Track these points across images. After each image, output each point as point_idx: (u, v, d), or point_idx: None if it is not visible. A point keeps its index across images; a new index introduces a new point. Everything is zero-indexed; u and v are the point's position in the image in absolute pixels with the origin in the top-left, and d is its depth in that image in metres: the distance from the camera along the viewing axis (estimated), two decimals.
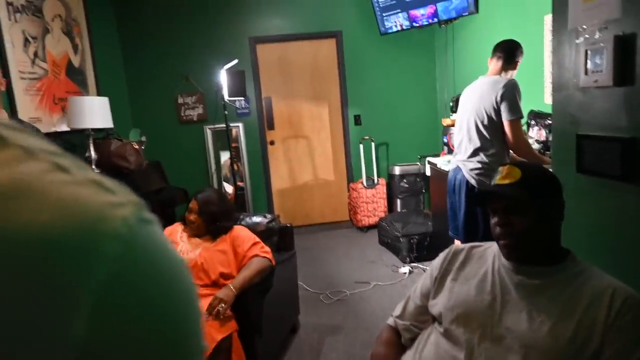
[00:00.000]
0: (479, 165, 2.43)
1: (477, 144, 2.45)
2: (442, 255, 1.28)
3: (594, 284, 1.03)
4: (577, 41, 1.27)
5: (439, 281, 1.24)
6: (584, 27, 1.24)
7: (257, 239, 2.18)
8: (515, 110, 2.32)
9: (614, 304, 0.97)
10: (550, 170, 1.12)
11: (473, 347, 1.07)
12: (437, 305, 1.20)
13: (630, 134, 1.14)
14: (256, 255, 2.08)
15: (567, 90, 1.35)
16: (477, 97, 2.46)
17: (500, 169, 1.11)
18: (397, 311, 1.34)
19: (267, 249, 2.19)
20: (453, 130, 3.46)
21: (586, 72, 1.23)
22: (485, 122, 2.40)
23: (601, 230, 1.28)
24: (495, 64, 2.50)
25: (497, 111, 2.35)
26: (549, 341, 0.99)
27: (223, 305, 1.83)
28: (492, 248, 1.20)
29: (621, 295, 0.98)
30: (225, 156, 5.00)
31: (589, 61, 1.21)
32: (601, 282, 1.03)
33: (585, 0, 1.22)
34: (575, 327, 0.98)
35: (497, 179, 1.10)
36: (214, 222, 2.10)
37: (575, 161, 1.33)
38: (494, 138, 2.41)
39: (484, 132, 2.42)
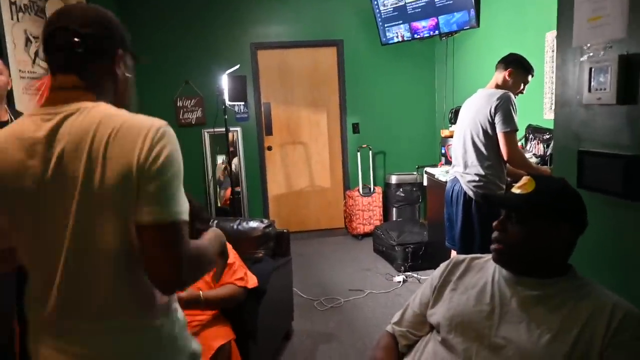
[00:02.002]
0: (477, 178, 2.45)
1: (474, 156, 2.47)
2: (442, 266, 1.29)
3: (594, 298, 1.03)
4: (582, 59, 1.29)
5: (439, 290, 1.25)
6: (589, 45, 1.26)
7: (231, 260, 1.99)
8: (509, 122, 2.33)
9: (614, 320, 0.98)
10: (578, 198, 1.10)
11: (471, 356, 1.08)
12: (435, 315, 1.21)
13: (633, 151, 1.15)
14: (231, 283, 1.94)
15: (570, 107, 1.37)
16: (473, 110, 2.48)
17: (523, 177, 1.14)
18: (396, 318, 1.35)
19: (241, 272, 2.00)
20: (451, 141, 3.49)
21: (590, 90, 1.25)
22: (481, 135, 2.42)
23: (601, 246, 1.29)
24: (495, 76, 2.53)
25: (492, 124, 2.37)
26: (547, 354, 0.99)
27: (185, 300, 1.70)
28: (491, 259, 1.21)
29: (621, 311, 0.99)
30: (220, 160, 4.99)
31: (593, 79, 1.23)
32: (601, 298, 1.03)
33: (590, 19, 1.24)
34: (573, 341, 0.98)
35: (514, 186, 1.14)
36: (199, 224, 2.00)
37: (576, 177, 1.35)
38: (490, 151, 2.42)
39: (480, 145, 2.44)
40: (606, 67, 1.18)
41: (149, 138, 0.84)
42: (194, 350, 1.02)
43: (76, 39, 0.88)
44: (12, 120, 2.01)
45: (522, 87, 2.53)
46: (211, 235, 1.06)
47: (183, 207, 0.87)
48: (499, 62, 2.51)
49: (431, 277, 1.30)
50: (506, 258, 1.12)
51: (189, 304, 1.75)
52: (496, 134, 2.37)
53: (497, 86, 2.49)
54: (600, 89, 1.20)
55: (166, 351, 0.94)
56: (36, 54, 3.36)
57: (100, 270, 0.86)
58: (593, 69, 1.22)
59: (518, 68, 2.47)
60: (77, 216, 0.84)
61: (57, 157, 0.84)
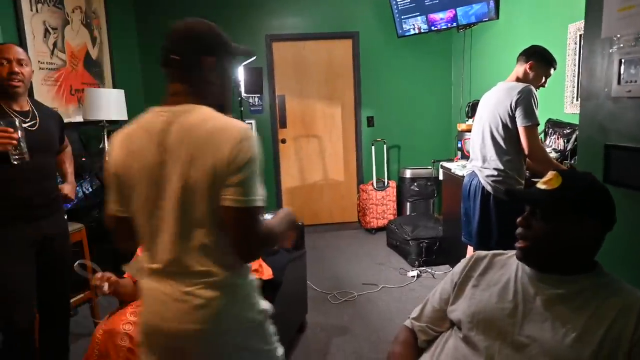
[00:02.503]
0: (495, 173, 2.41)
1: (492, 150, 2.42)
2: (463, 261, 1.27)
3: (622, 296, 1.01)
4: (611, 50, 1.25)
5: (459, 287, 1.23)
6: (619, 36, 1.23)
7: None
8: (530, 116, 2.28)
9: None
10: (607, 193, 1.05)
11: (493, 354, 1.06)
12: (456, 311, 1.19)
13: None
14: None
15: (597, 100, 1.33)
16: (492, 104, 2.44)
17: (549, 172, 1.10)
18: (415, 313, 1.33)
19: (256, 263, 1.97)
20: (468, 135, 3.44)
21: (619, 82, 1.21)
22: (500, 128, 2.37)
23: (629, 243, 1.26)
24: (515, 69, 2.48)
25: (512, 118, 2.32)
26: (573, 353, 0.97)
27: None
28: (515, 256, 1.19)
29: None
30: None
31: (622, 71, 1.19)
32: (630, 296, 1.01)
33: (620, 10, 1.20)
34: (600, 341, 0.96)
35: (540, 182, 1.10)
36: None
37: (602, 171, 1.31)
38: (509, 145, 2.38)
39: (499, 139, 2.39)
40: (637, 59, 1.14)
41: (237, 140, 1.07)
42: (265, 308, 1.23)
43: (175, 57, 1.19)
44: (33, 111, 2.02)
45: (543, 80, 2.47)
46: (282, 214, 1.28)
47: (259, 195, 1.09)
48: (521, 54, 2.46)
49: (451, 272, 1.28)
50: (531, 255, 1.09)
51: None
52: (516, 128, 2.33)
53: (518, 79, 2.44)
54: (631, 81, 1.17)
55: (241, 304, 1.17)
56: (54, 45, 3.39)
57: (195, 238, 1.10)
58: (623, 61, 1.19)
59: (540, 61, 2.42)
60: (180, 193, 1.08)
61: (167, 146, 1.10)
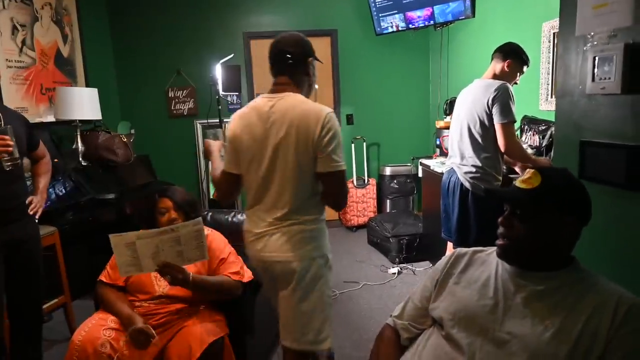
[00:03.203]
0: (473, 169, 2.43)
1: (470, 148, 2.45)
2: (444, 259, 1.28)
3: (599, 291, 1.02)
4: (585, 48, 1.27)
5: (440, 284, 1.23)
6: (593, 33, 1.24)
7: (226, 254, 1.97)
8: (507, 113, 2.30)
9: (619, 312, 0.97)
10: (583, 190, 1.07)
11: (475, 351, 1.06)
12: (438, 309, 1.19)
13: (637, 141, 1.14)
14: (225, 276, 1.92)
15: (572, 97, 1.35)
16: (470, 101, 2.46)
17: (526, 171, 1.10)
18: (397, 311, 1.33)
19: (237, 266, 1.96)
20: (446, 132, 3.47)
21: (593, 79, 1.23)
22: (478, 126, 2.40)
23: (604, 238, 1.28)
24: (491, 66, 2.51)
25: (490, 115, 2.35)
26: (552, 347, 0.98)
27: (172, 273, 1.69)
28: (495, 253, 1.19)
29: (626, 304, 0.97)
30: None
31: (596, 68, 1.21)
32: (606, 290, 1.02)
33: (595, 7, 1.22)
34: (578, 334, 0.97)
35: (518, 180, 1.10)
36: (195, 216, 1.97)
37: (577, 167, 1.33)
38: (487, 142, 2.40)
39: (477, 137, 2.42)
40: (611, 56, 1.16)
41: (322, 121, 1.49)
42: (329, 251, 1.66)
43: (288, 55, 1.61)
44: None
45: (517, 77, 2.51)
46: None
47: (342, 161, 1.53)
48: (497, 51, 2.48)
49: (432, 270, 1.29)
50: (511, 254, 1.10)
51: (176, 280, 1.71)
52: (493, 125, 2.35)
53: (495, 76, 2.46)
54: (605, 79, 1.18)
55: (316, 243, 1.60)
56: (23, 42, 3.28)
57: (292, 192, 1.55)
58: (597, 58, 1.20)
59: (517, 59, 2.45)
60: (279, 159, 1.54)
61: (271, 123, 1.55)
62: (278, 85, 1.61)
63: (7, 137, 1.75)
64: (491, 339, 1.05)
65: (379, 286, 3.41)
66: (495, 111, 2.31)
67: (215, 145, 1.89)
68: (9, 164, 1.80)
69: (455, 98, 2.71)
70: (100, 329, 1.75)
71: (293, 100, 1.54)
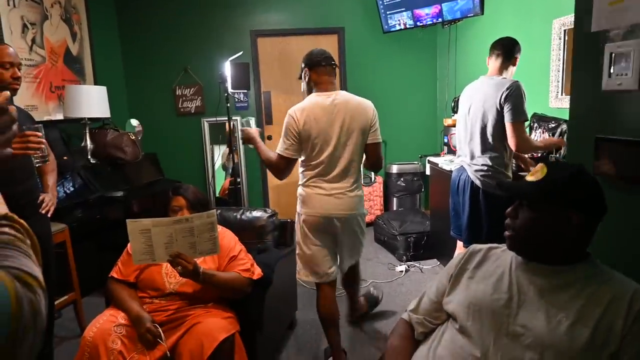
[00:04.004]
0: (484, 168, 2.42)
1: (481, 146, 2.43)
2: (460, 255, 1.30)
3: (614, 285, 1.02)
4: (601, 44, 1.26)
5: (455, 279, 1.25)
6: (609, 29, 1.23)
7: (237, 251, 1.99)
8: (519, 112, 2.29)
9: (634, 307, 0.97)
10: (600, 189, 1.07)
11: (489, 344, 1.07)
12: (452, 303, 1.21)
13: None
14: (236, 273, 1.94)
15: (587, 93, 1.34)
16: (480, 99, 2.44)
17: (537, 165, 1.13)
18: (412, 305, 1.35)
19: (247, 262, 1.99)
20: (454, 130, 3.45)
21: (610, 75, 1.22)
22: (489, 124, 2.38)
23: (620, 237, 1.27)
24: (494, 62, 2.49)
25: (501, 113, 2.33)
26: (567, 341, 0.99)
27: (183, 264, 1.71)
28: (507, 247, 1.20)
29: None
30: (224, 147, 4.94)
31: (613, 64, 1.20)
32: (621, 285, 1.02)
33: (611, 3, 1.21)
34: (593, 329, 0.98)
35: (527, 175, 1.14)
36: None
37: (592, 165, 1.32)
38: (497, 141, 2.38)
39: (488, 136, 2.40)
40: (628, 52, 1.15)
41: (373, 109, 2.20)
42: None
43: (333, 62, 2.23)
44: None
45: (516, 63, 2.52)
46: None
47: (380, 136, 2.22)
48: (499, 48, 2.46)
49: (448, 266, 1.31)
50: (517, 244, 1.12)
51: (186, 271, 1.72)
52: (504, 124, 2.33)
53: (501, 73, 2.45)
54: (621, 74, 1.18)
55: (363, 203, 2.27)
56: (33, 40, 3.30)
57: (356, 165, 2.18)
58: (614, 54, 1.19)
59: (519, 54, 2.47)
60: (348, 140, 2.12)
61: (336, 113, 2.10)
62: (327, 85, 2.17)
63: (40, 134, 1.77)
64: (505, 332, 1.07)
65: (387, 284, 3.40)
66: (507, 109, 2.30)
67: (254, 132, 2.28)
68: (38, 160, 1.81)
69: None
70: (111, 325, 1.76)
71: (346, 95, 2.16)
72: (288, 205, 5.13)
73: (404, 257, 3.83)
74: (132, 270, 1.93)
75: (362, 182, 2.31)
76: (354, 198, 2.18)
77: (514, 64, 2.47)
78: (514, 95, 2.28)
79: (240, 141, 2.40)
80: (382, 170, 5.08)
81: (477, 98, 2.46)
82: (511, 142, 2.32)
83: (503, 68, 2.46)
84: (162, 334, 1.72)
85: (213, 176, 4.94)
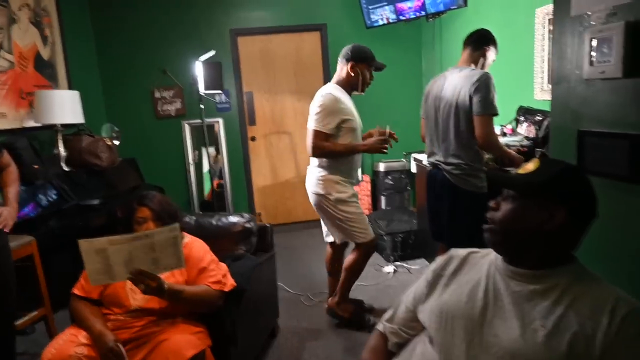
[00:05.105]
0: (461, 164, 2.29)
1: (456, 142, 2.30)
2: (438, 260, 1.21)
3: (595, 293, 0.94)
4: (582, 29, 1.16)
5: (431, 286, 1.17)
6: (589, 13, 1.13)
7: (206, 262, 1.86)
8: (488, 105, 2.16)
9: (615, 317, 0.89)
10: (592, 192, 0.99)
11: (460, 355, 0.99)
12: (425, 311, 1.13)
13: None
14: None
15: (569, 83, 1.24)
16: (450, 93, 2.30)
17: (532, 160, 1.07)
18: (387, 315, 1.28)
19: (218, 273, 1.86)
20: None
21: (591, 63, 1.12)
22: (464, 120, 2.25)
23: (605, 235, 1.17)
24: (463, 53, 2.40)
25: (472, 106, 2.21)
26: (542, 352, 0.90)
27: (146, 282, 1.58)
28: (490, 255, 1.10)
29: (624, 308, 0.89)
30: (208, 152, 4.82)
31: (594, 51, 1.10)
32: (603, 293, 0.94)
33: None
34: (571, 339, 0.89)
35: (518, 169, 1.07)
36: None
37: (576, 159, 1.23)
38: (473, 136, 2.24)
39: (463, 131, 2.26)
40: (610, 37, 1.05)
41: (316, 99, 2.53)
42: None
43: (346, 59, 2.59)
44: None
45: (490, 64, 2.43)
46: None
47: (311, 124, 2.47)
48: (473, 40, 2.38)
49: (426, 271, 1.22)
50: (496, 238, 1.04)
51: (150, 289, 1.60)
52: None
53: (474, 65, 2.35)
54: (604, 62, 1.08)
55: None
56: (0, 46, 3.17)
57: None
58: (595, 40, 1.09)
59: (493, 45, 2.39)
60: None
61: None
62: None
63: None
64: (478, 342, 0.99)
65: (374, 286, 3.31)
66: (475, 102, 2.17)
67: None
68: None
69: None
70: (71, 345, 1.64)
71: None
72: (275, 206, 5.02)
73: (392, 257, 3.73)
74: (95, 287, 1.81)
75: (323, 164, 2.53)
76: (310, 175, 2.59)
77: (484, 56, 2.36)
78: (483, 88, 2.15)
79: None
80: (369, 168, 4.99)
81: (447, 92, 2.33)
82: (478, 135, 2.20)
83: (471, 59, 2.36)
84: (124, 353, 1.61)
85: (198, 180, 4.81)
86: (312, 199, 2.63)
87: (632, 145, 1.05)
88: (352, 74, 2.58)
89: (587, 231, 0.97)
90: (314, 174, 2.58)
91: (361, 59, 2.57)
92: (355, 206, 2.61)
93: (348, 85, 2.62)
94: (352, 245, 2.75)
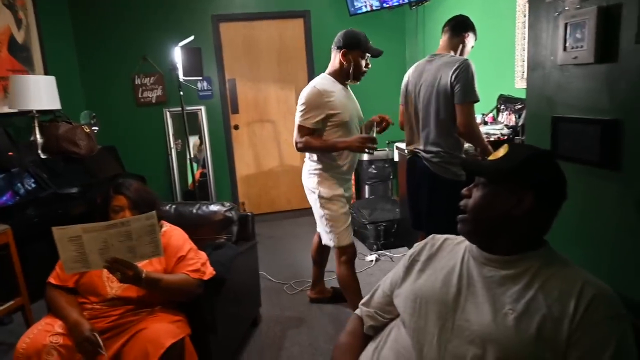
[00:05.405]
0: (441, 152, 2.30)
1: (436, 131, 2.30)
2: (416, 246, 1.23)
3: (564, 277, 0.95)
4: (556, 14, 1.16)
5: (407, 271, 1.19)
6: None
7: (185, 250, 1.84)
8: (469, 92, 2.15)
9: (582, 299, 0.90)
10: (560, 175, 1.00)
11: (432, 339, 1.01)
12: (401, 296, 1.15)
13: (612, 115, 1.04)
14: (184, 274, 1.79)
15: (544, 69, 1.24)
16: (429, 81, 2.30)
17: (502, 146, 1.06)
18: (365, 299, 1.29)
19: (197, 262, 1.84)
20: None
21: (565, 49, 1.12)
22: (443, 107, 2.24)
23: (576, 220, 1.19)
24: (442, 39, 2.41)
25: (453, 94, 2.20)
26: (512, 335, 0.92)
27: (122, 270, 1.56)
28: (466, 242, 1.12)
29: (591, 291, 0.90)
30: (192, 139, 4.75)
31: (568, 36, 1.10)
32: (571, 276, 0.95)
33: None
34: (540, 321, 0.91)
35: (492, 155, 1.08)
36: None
37: (550, 146, 1.23)
38: (453, 124, 2.24)
39: (444, 119, 2.25)
40: (583, 22, 1.05)
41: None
42: None
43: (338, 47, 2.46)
44: None
45: (469, 51, 2.43)
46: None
47: (297, 119, 2.40)
48: (452, 26, 2.38)
49: (404, 257, 1.24)
50: (468, 227, 1.05)
51: (126, 277, 1.58)
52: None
53: (453, 51, 2.35)
54: (577, 47, 1.08)
55: None
56: None
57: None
58: (569, 25, 1.09)
59: (472, 31, 2.39)
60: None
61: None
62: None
63: None
64: (451, 327, 1.00)
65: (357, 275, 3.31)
66: (457, 90, 2.16)
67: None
68: None
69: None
70: (46, 335, 1.61)
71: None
72: (259, 196, 4.99)
73: (375, 246, 3.75)
74: (70, 275, 1.78)
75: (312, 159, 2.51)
76: (304, 167, 2.60)
77: (463, 42, 2.36)
78: (464, 75, 2.15)
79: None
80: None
81: (427, 80, 2.32)
82: (460, 122, 2.19)
83: (450, 46, 2.35)
84: (101, 342, 1.59)
85: (181, 169, 4.75)
86: (305, 189, 2.64)
87: (604, 130, 1.06)
88: (345, 63, 2.38)
89: (557, 215, 0.98)
90: (306, 166, 2.57)
91: (353, 46, 2.37)
92: (339, 205, 2.47)
93: (341, 75, 2.43)
94: None
